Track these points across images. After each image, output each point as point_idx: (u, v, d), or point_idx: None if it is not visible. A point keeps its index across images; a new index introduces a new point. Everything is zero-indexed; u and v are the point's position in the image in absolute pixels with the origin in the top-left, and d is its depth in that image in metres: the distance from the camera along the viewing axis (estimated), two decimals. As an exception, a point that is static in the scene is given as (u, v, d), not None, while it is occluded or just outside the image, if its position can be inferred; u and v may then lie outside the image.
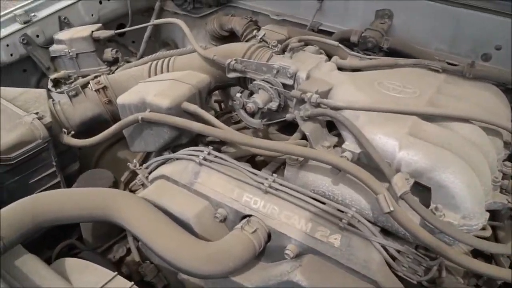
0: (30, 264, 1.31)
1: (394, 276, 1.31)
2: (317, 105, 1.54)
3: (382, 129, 1.38)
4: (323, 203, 1.42)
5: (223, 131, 1.64)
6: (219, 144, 1.91)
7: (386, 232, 1.41)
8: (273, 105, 1.73)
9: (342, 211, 1.37)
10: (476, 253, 1.64)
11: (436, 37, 2.17)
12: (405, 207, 1.27)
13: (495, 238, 1.67)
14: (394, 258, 1.33)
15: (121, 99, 1.84)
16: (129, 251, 1.90)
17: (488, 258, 1.68)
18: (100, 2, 2.75)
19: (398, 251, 1.32)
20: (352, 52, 1.96)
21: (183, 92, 1.75)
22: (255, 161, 1.94)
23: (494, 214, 1.55)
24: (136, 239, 1.82)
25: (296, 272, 1.34)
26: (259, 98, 1.73)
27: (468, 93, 1.63)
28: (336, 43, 1.95)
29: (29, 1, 2.57)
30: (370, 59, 1.91)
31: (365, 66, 1.85)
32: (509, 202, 1.38)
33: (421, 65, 1.79)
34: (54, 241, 1.96)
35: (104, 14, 2.79)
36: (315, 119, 1.56)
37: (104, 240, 1.91)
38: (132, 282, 1.24)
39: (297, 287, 1.32)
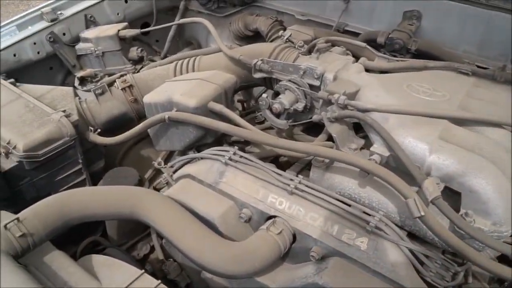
0: (58, 261, 1.34)
1: (421, 281, 1.31)
2: (345, 106, 1.54)
3: (412, 133, 1.38)
4: (349, 206, 1.42)
5: (249, 131, 1.65)
6: (243, 144, 1.93)
7: (412, 236, 1.41)
8: (299, 106, 1.73)
9: (369, 214, 1.37)
10: (503, 261, 1.62)
11: (465, 39, 2.15)
12: (435, 212, 1.27)
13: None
14: (421, 263, 1.32)
15: (148, 98, 1.87)
16: (152, 248, 1.94)
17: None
18: (126, 1, 2.79)
19: (426, 256, 1.32)
20: (380, 54, 1.95)
21: (209, 92, 1.78)
22: (279, 162, 1.95)
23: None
24: (160, 237, 1.85)
25: (322, 275, 1.35)
26: (285, 99, 1.74)
27: (499, 97, 1.62)
28: (364, 44, 1.94)
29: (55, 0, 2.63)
30: (398, 61, 1.90)
31: (394, 68, 1.84)
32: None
33: (450, 67, 1.78)
34: (79, 237, 2.00)
35: (129, 13, 2.84)
36: (342, 120, 1.56)
37: (128, 237, 1.95)
38: (159, 281, 1.26)
39: (323, 291, 1.33)
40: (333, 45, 2.01)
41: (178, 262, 1.84)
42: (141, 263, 1.90)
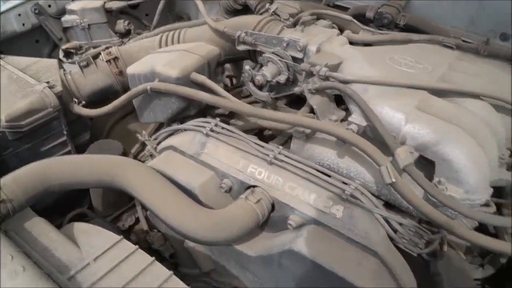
0: (38, 227, 1.36)
1: (394, 247, 1.34)
2: (326, 78, 1.55)
3: (390, 103, 1.39)
4: (328, 176, 1.45)
5: (231, 101, 1.67)
6: (227, 117, 1.94)
7: (389, 206, 1.44)
8: (282, 78, 1.74)
9: (346, 183, 1.40)
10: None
11: (456, 15, 2.14)
12: (409, 181, 1.30)
13: (499, 215, 1.68)
14: (395, 231, 1.36)
15: (131, 69, 1.88)
16: (138, 220, 1.97)
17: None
18: (114, -27, 2.76)
19: (400, 224, 1.35)
20: (365, 27, 1.95)
21: (191, 63, 1.78)
22: (264, 135, 1.97)
23: (499, 192, 1.56)
24: (144, 208, 1.88)
25: (297, 241, 1.38)
26: (267, 71, 1.75)
27: (481, 71, 1.63)
28: (349, 17, 1.95)
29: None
30: (382, 33, 1.90)
31: (377, 41, 1.85)
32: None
33: (434, 41, 1.78)
34: (67, 209, 2.03)
35: (117, -15, 2.81)
36: (323, 92, 1.57)
37: (113, 208, 1.98)
38: (137, 246, 1.29)
39: (298, 256, 1.36)
40: (319, 19, 2.01)
41: (162, 232, 1.88)
42: (126, 234, 1.93)
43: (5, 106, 1.76)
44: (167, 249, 1.88)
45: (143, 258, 1.27)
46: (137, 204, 1.95)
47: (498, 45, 1.95)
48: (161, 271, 1.24)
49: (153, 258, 1.26)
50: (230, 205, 1.47)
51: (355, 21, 1.95)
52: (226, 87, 2.47)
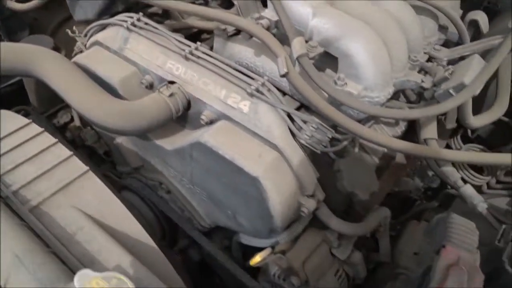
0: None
1: (295, 143, 1.40)
2: None
3: (301, -2, 1.38)
4: (241, 72, 1.47)
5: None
6: (161, 17, 1.92)
7: (307, 108, 1.48)
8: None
9: (254, 79, 1.42)
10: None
11: None
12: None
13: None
14: (300, 129, 1.40)
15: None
16: (73, 118, 2.02)
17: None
18: None
19: (305, 122, 1.40)
20: None
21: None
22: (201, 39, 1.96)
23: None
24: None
25: (204, 134, 1.43)
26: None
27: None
28: None
29: None
30: None
31: None
32: (423, 81, 1.41)
33: None
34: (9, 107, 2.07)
35: None
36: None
37: (49, 105, 2.01)
38: (43, 129, 1.34)
39: (204, 148, 1.42)
40: None
41: (96, 130, 1.94)
42: (61, 130, 1.99)
43: None
44: (101, 146, 1.95)
45: (48, 139, 1.32)
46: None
47: None
48: (62, 152, 1.30)
49: (57, 140, 1.32)
50: (143, 98, 1.51)
51: None
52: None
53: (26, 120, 1.38)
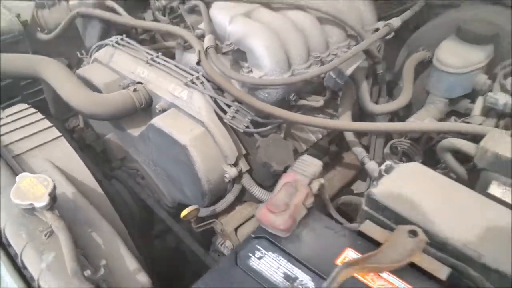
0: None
1: (219, 122, 1.81)
2: None
3: (225, 11, 1.86)
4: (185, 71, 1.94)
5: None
6: (150, 42, 2.48)
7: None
8: None
9: (192, 74, 1.88)
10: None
11: None
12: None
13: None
14: (226, 112, 1.82)
15: (75, 3, 2.48)
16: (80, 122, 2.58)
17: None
18: None
19: (228, 106, 1.81)
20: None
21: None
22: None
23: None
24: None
25: (155, 118, 1.89)
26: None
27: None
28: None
29: None
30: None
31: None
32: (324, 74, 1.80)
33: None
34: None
35: None
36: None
37: (65, 113, 2.59)
38: (37, 111, 1.87)
39: (154, 128, 1.87)
40: None
41: (95, 131, 2.47)
42: (70, 132, 2.54)
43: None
44: (99, 145, 2.46)
45: (36, 116, 1.85)
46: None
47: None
48: (44, 124, 1.81)
49: (44, 116, 1.84)
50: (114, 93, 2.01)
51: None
52: None
53: (25, 106, 1.93)
